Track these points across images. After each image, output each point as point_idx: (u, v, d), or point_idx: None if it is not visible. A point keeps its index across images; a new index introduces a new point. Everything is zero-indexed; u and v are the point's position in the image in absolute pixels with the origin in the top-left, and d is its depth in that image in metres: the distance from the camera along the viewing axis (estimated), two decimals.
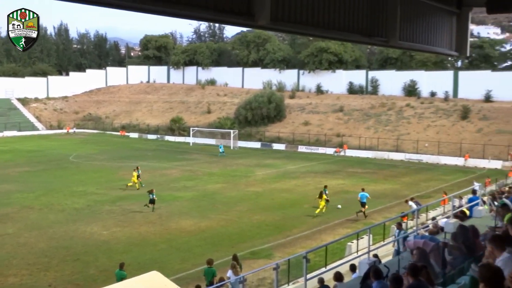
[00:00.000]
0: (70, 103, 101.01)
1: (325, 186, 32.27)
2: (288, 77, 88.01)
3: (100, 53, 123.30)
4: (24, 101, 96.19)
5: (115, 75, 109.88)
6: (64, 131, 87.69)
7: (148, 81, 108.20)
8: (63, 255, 22.76)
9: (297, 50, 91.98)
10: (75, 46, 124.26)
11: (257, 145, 68.94)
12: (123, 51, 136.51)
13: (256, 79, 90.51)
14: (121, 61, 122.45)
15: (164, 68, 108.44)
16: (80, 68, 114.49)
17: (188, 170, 47.32)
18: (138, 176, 38.22)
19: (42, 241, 24.67)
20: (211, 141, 71.35)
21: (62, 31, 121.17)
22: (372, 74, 79.54)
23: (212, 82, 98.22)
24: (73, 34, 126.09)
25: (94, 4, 7.96)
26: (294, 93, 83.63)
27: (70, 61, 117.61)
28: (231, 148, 65.92)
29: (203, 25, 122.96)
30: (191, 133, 72.29)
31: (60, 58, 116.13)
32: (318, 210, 29.96)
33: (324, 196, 30.22)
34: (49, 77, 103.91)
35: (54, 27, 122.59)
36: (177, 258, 22.34)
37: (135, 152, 61.09)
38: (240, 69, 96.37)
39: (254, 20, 7.79)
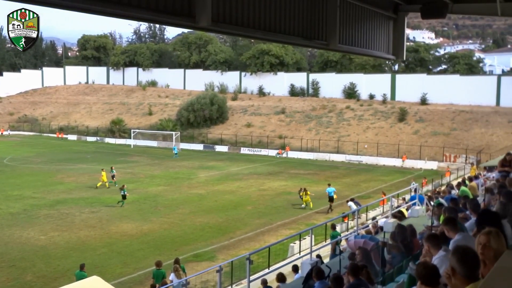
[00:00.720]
0: (4, 104, 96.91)
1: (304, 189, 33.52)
2: (230, 79, 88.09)
3: (36, 52, 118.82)
4: None
5: (52, 76, 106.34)
6: None
7: (87, 82, 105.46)
8: None
9: (239, 52, 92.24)
10: (9, 45, 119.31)
11: (199, 147, 68.59)
12: (60, 51, 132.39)
13: (198, 80, 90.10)
14: (58, 61, 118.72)
15: (104, 69, 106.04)
16: (15, 68, 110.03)
17: (129, 173, 46.44)
18: (113, 176, 39.55)
19: None
20: (153, 143, 70.43)
21: None
22: (313, 76, 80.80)
23: (153, 84, 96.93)
24: (6, 32, 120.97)
25: (33, 3, 7.71)
26: (237, 95, 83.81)
27: (4, 60, 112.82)
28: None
29: (143, 26, 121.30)
30: (132, 135, 71.07)
31: None
32: (305, 204, 32.37)
33: (309, 192, 32.58)
34: None
35: None
36: (118, 262, 21.88)
37: (74, 155, 59.38)
38: (181, 70, 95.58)
39: (195, 22, 7.74)
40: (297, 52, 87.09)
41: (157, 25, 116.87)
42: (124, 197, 32.38)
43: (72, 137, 79.84)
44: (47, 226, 27.77)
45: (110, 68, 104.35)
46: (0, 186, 38.89)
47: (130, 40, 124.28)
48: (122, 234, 26.44)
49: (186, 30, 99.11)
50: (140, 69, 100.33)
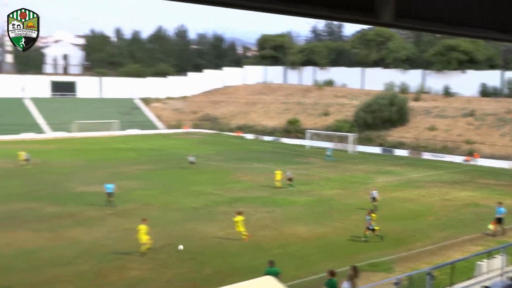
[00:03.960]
0: (188, 103, 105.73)
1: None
2: (412, 78, 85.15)
3: (218, 53, 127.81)
4: (146, 101, 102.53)
5: (232, 75, 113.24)
6: (182, 130, 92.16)
7: (264, 82, 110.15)
8: (180, 253, 23.93)
9: (422, 49, 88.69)
10: (194, 47, 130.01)
11: (377, 150, 67.49)
12: (240, 51, 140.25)
13: (377, 80, 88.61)
14: (237, 61, 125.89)
15: (281, 68, 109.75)
16: (198, 68, 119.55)
17: (304, 174, 47.51)
18: (289, 179, 40.52)
19: (161, 238, 26.10)
20: (329, 145, 71.05)
21: (181, 32, 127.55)
22: (509, 74, 74.42)
23: (330, 83, 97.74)
24: (192, 35, 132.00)
25: (217, 5, 8.21)
26: (419, 95, 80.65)
27: (188, 61, 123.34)
28: (349, 152, 65.23)
29: (321, 24, 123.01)
30: (307, 135, 72.50)
31: (179, 59, 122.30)
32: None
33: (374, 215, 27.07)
34: (169, 77, 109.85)
35: (174, 28, 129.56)
36: (291, 265, 22.50)
37: (251, 154, 62.52)
38: (359, 69, 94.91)
39: (376, 17, 7.58)
40: (490, 48, 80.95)
41: (335, 23, 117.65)
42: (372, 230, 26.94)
43: (250, 136, 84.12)
44: (225, 222, 29.67)
45: (287, 67, 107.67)
46: (184, 182, 42.64)
47: (307, 38, 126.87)
48: (295, 237, 27.18)
49: (365, 27, 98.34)
50: (317, 68, 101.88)
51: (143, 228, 23.50)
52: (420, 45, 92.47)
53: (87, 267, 22.07)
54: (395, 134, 71.23)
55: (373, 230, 26.60)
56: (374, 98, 76.48)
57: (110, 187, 33.48)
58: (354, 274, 16.46)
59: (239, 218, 25.99)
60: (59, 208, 32.73)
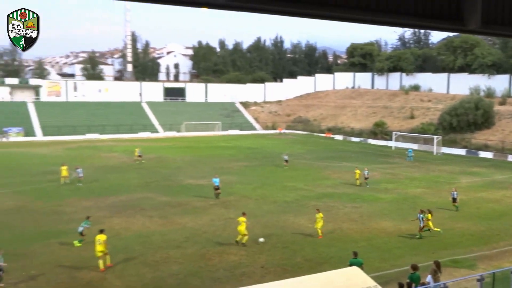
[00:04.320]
0: (283, 107, 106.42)
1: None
2: (498, 83, 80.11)
3: (310, 61, 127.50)
4: (245, 104, 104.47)
5: (323, 81, 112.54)
6: (277, 131, 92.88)
7: (353, 87, 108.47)
8: (274, 242, 24.16)
9: (510, 54, 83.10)
10: (289, 55, 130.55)
11: (461, 152, 64.11)
12: (331, 59, 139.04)
13: (462, 85, 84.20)
14: (328, 68, 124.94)
15: (369, 74, 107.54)
16: (292, 75, 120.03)
17: (389, 173, 46.23)
18: (366, 178, 39.69)
19: (257, 227, 26.52)
20: (413, 146, 68.49)
21: (278, 42, 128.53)
22: None
23: (415, 88, 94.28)
24: (287, 44, 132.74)
25: (310, 17, 8.19)
26: (505, 99, 75.67)
27: (284, 69, 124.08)
28: (434, 153, 62.60)
29: (408, 32, 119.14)
30: (393, 137, 70.44)
31: (275, 67, 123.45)
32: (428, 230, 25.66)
33: (429, 216, 25.70)
34: (266, 83, 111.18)
35: (270, 39, 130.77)
36: (376, 257, 22.00)
37: (339, 153, 61.77)
38: (445, 74, 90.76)
39: (463, 25, 7.30)
40: None
41: (422, 31, 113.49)
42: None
43: (338, 137, 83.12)
44: (314, 216, 29.54)
45: (375, 73, 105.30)
46: (278, 178, 42.96)
47: (394, 46, 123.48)
48: (381, 231, 26.53)
49: (452, 34, 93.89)
50: (403, 74, 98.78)
51: (242, 220, 23.82)
52: (507, 50, 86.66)
53: (193, 250, 22.87)
54: (480, 137, 67.31)
55: (428, 229, 25.35)
56: (459, 102, 72.73)
57: (216, 180, 34.39)
58: (437, 269, 15.83)
59: (319, 215, 25.36)
60: (170, 198, 34.19)
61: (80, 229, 23.45)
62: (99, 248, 20.01)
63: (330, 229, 26.52)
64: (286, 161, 49.78)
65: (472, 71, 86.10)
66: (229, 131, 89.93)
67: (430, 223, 25.67)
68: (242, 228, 23.58)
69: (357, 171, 40.08)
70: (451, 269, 20.17)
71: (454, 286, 17.03)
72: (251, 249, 23.01)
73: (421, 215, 25.46)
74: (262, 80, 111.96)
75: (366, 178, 39.82)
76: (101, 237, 20.19)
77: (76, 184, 38.50)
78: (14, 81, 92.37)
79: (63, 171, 39.22)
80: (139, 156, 52.11)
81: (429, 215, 25.73)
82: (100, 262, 20.03)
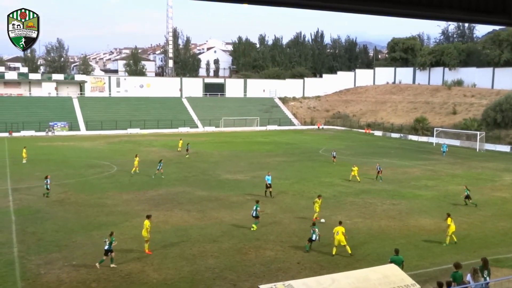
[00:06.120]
0: (322, 102, 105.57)
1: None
2: None
3: (350, 56, 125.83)
4: (284, 100, 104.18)
5: (363, 77, 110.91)
6: (315, 127, 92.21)
7: (394, 82, 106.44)
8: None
9: None
10: (329, 50, 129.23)
11: (506, 148, 61.99)
12: (371, 54, 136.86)
13: (508, 79, 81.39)
14: (369, 64, 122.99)
15: (410, 69, 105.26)
16: (332, 70, 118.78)
17: (430, 170, 45.15)
18: (378, 172, 39.72)
19: (293, 223, 26.37)
20: (455, 142, 66.67)
21: (318, 37, 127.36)
22: None
23: (459, 83, 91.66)
24: (327, 39, 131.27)
25: (352, 12, 7.99)
26: None
27: (323, 64, 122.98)
28: (477, 150, 60.73)
29: (452, 26, 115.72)
30: (434, 133, 68.74)
31: (315, 62, 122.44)
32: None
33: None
34: (305, 78, 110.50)
35: (311, 34, 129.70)
36: (415, 255, 21.50)
37: (379, 149, 60.79)
38: (490, 69, 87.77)
39: (509, 18, 7.02)
40: None
41: (466, 24, 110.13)
42: None
43: (378, 133, 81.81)
44: (352, 212, 29.19)
45: (417, 68, 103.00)
46: (315, 173, 42.63)
47: (437, 40, 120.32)
48: (420, 228, 25.94)
49: (497, 27, 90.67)
50: (446, 69, 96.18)
51: (341, 230, 21.45)
52: None
53: (229, 244, 22.93)
54: None
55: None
56: (504, 97, 70.27)
57: (269, 178, 33.47)
58: (485, 266, 15.28)
59: (318, 201, 27.19)
60: (207, 192, 34.42)
61: (254, 213, 25.37)
62: (144, 233, 21.59)
63: (368, 226, 26.10)
64: (334, 157, 49.10)
65: None
66: (268, 127, 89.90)
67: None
68: (341, 238, 21.33)
69: (355, 168, 39.37)
70: (493, 268, 19.40)
71: (496, 286, 16.46)
72: (287, 245, 22.89)
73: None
74: (301, 76, 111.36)
75: (378, 172, 39.87)
76: (146, 223, 21.68)
77: (161, 177, 39.57)
78: (60, 77, 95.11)
79: (135, 162, 41.87)
80: (186, 150, 53.18)
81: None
82: (146, 246, 21.60)
